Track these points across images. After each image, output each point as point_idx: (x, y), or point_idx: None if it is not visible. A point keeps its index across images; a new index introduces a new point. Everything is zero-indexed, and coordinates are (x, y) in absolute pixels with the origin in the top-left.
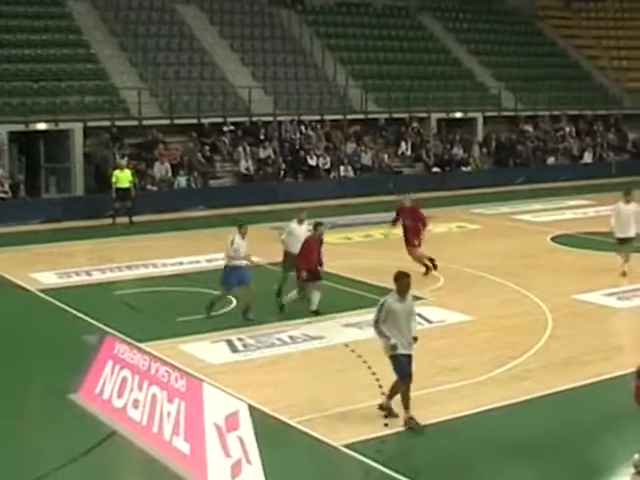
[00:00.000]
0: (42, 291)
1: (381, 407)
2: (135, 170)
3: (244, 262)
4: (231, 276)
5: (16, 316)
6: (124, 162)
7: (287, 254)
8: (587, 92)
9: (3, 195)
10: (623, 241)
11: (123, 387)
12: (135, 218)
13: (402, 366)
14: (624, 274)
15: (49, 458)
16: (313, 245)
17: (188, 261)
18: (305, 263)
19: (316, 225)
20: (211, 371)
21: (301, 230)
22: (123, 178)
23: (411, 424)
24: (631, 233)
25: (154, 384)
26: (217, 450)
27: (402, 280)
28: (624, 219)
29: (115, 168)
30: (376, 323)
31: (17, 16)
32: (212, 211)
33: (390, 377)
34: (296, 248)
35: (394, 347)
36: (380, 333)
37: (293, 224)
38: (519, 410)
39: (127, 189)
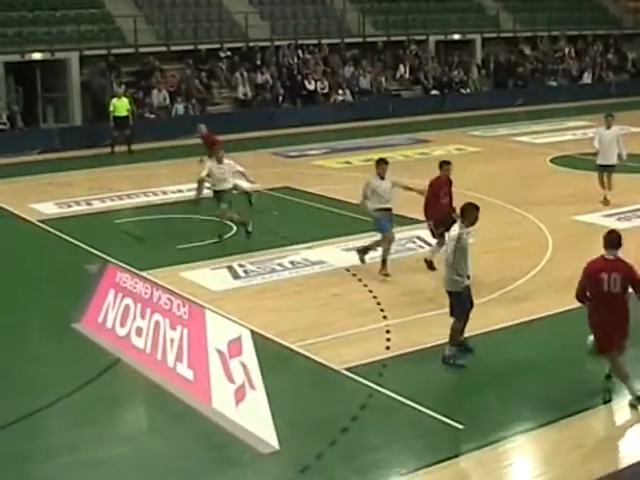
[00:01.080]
0: (42, 221)
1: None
2: (133, 98)
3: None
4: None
5: (17, 247)
6: (121, 90)
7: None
8: (587, 12)
9: (1, 126)
10: (604, 168)
11: (126, 315)
12: (134, 146)
13: (464, 301)
14: (606, 202)
15: (54, 387)
16: (440, 187)
17: (187, 188)
18: (434, 210)
19: (442, 164)
20: (213, 297)
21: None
22: (120, 106)
23: (450, 360)
24: (612, 160)
25: (157, 312)
26: (220, 376)
27: (473, 213)
28: (606, 145)
29: (112, 97)
30: (453, 264)
31: None
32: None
33: (390, 301)
34: (222, 185)
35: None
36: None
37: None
38: (521, 331)
39: (125, 117)
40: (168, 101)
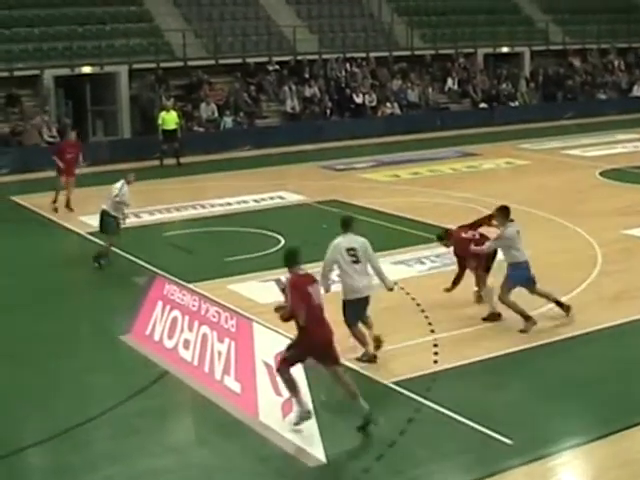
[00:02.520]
0: (91, 234)
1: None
2: (181, 111)
3: None
4: None
5: (66, 259)
6: (170, 104)
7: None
8: (636, 24)
9: (51, 139)
10: None
11: (173, 328)
12: (182, 159)
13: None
14: None
15: (102, 398)
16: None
17: (236, 201)
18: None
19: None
20: (260, 310)
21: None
22: (169, 120)
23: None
24: None
25: (204, 324)
26: (267, 388)
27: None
28: None
29: (161, 110)
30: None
31: None
32: (259, 151)
33: (438, 315)
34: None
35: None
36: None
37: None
38: (570, 345)
39: (174, 130)
40: (216, 114)
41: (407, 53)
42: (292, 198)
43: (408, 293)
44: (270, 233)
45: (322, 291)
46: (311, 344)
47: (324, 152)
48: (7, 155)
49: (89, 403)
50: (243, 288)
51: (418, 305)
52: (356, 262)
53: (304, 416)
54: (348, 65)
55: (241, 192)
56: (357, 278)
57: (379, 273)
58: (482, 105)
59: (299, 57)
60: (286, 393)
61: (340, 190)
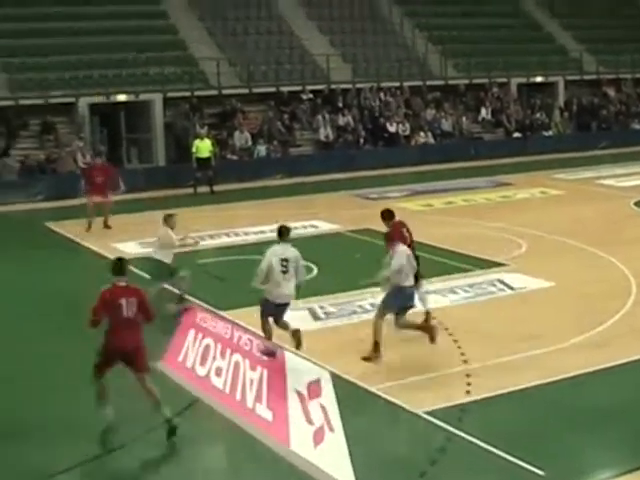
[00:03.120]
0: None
1: None
2: (215, 139)
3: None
4: None
5: (100, 286)
6: (204, 132)
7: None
8: None
9: (85, 167)
10: None
11: (206, 355)
12: (216, 187)
13: None
14: None
15: (133, 425)
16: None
17: (269, 229)
18: None
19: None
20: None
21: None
22: (203, 148)
23: None
24: None
25: (236, 352)
26: (299, 417)
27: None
28: None
29: (195, 138)
30: None
31: None
32: (292, 179)
33: (471, 344)
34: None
35: None
36: None
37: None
38: (602, 377)
39: (207, 158)
40: (250, 142)
41: (441, 82)
42: (325, 227)
43: (441, 323)
44: (303, 262)
45: None
46: (111, 350)
47: (357, 181)
48: (42, 182)
49: (120, 429)
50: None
51: (450, 335)
52: (285, 272)
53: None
54: (382, 94)
55: (274, 220)
56: (284, 285)
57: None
58: (516, 135)
59: (333, 86)
60: (318, 422)
61: (373, 219)
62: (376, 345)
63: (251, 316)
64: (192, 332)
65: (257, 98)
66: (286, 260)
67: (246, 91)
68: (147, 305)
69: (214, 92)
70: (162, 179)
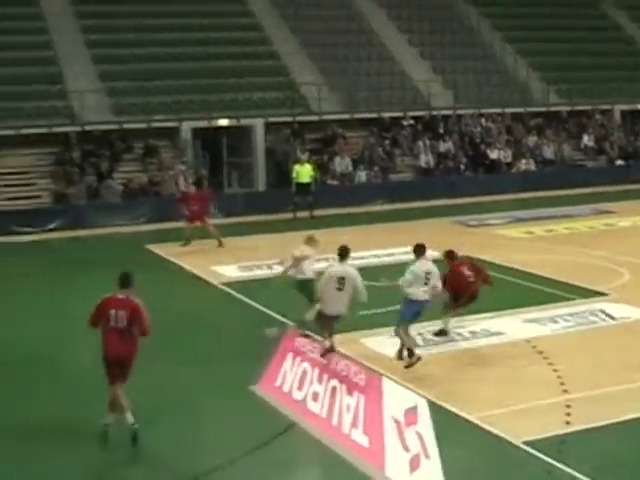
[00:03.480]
0: (225, 284)
1: None
2: (316, 165)
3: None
4: None
5: (199, 309)
6: (305, 157)
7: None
8: None
9: (187, 190)
10: None
11: (303, 380)
12: (316, 212)
13: None
14: None
15: (229, 448)
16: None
17: (369, 255)
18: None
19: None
20: (390, 365)
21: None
22: (304, 173)
23: None
24: None
25: (334, 377)
26: (395, 444)
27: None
28: None
29: (295, 163)
30: None
31: (199, 15)
32: (392, 205)
33: (571, 374)
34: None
35: None
36: None
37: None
38: None
39: (308, 184)
40: (351, 168)
41: (543, 109)
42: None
43: (541, 352)
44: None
45: None
46: (104, 355)
47: (457, 208)
48: (144, 204)
49: (216, 452)
50: (374, 342)
51: (550, 364)
52: (340, 290)
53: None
54: (483, 120)
55: (374, 246)
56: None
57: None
58: (619, 162)
59: (434, 112)
60: (414, 449)
61: (473, 246)
62: (410, 351)
63: (349, 341)
64: (290, 356)
65: (358, 124)
66: (342, 278)
67: (347, 116)
68: (140, 319)
69: (315, 117)
70: (262, 204)
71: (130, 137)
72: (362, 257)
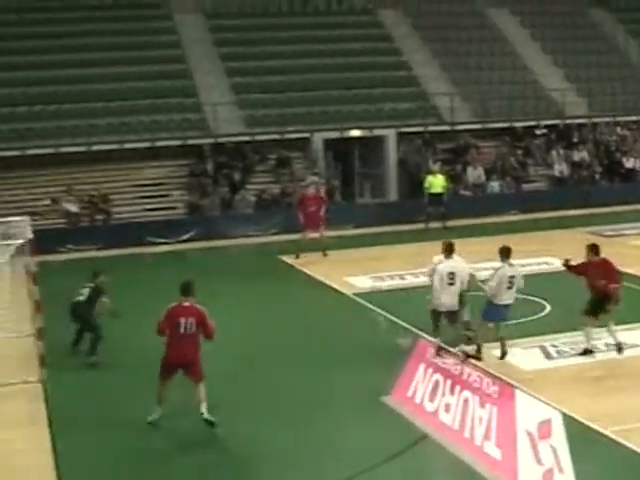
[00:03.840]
0: (357, 294)
1: None
2: (448, 175)
3: None
4: None
5: (331, 319)
6: (436, 167)
7: None
8: None
9: (300, 196)
10: None
11: (435, 391)
12: (448, 222)
13: None
14: None
15: (363, 457)
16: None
17: (501, 266)
18: None
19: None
20: (523, 377)
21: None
22: (436, 183)
23: None
24: None
25: (466, 389)
26: (528, 457)
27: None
28: None
29: (428, 173)
30: None
31: (330, 26)
32: (525, 215)
33: None
34: None
35: None
36: None
37: None
38: None
39: (440, 194)
40: (483, 178)
41: None
42: (558, 264)
43: None
44: (535, 299)
45: None
46: (167, 360)
47: (592, 218)
48: (277, 215)
49: (345, 463)
50: (508, 354)
51: None
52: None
53: None
54: (618, 129)
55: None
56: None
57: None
58: None
59: (567, 121)
60: (548, 463)
61: (608, 256)
62: (479, 348)
63: (483, 353)
64: (422, 367)
65: (490, 133)
66: (452, 274)
67: (479, 126)
68: (206, 324)
69: (447, 127)
70: (394, 214)
71: (263, 148)
72: (494, 268)
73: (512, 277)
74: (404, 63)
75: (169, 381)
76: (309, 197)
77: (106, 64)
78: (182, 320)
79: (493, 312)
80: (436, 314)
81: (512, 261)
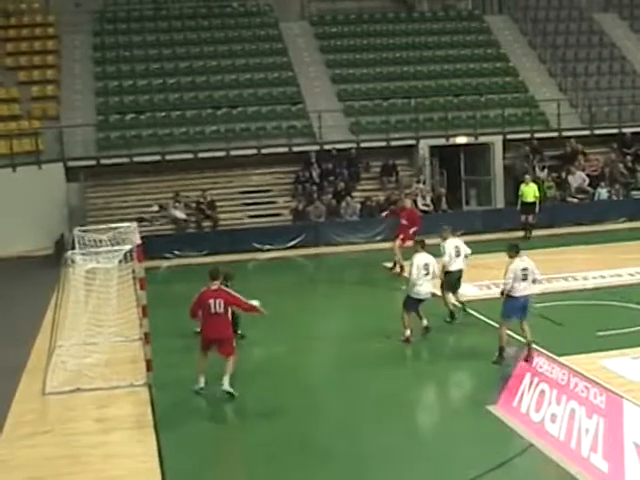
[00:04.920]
0: (462, 302)
1: None
2: (554, 182)
3: None
4: None
5: (435, 326)
6: (543, 174)
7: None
8: None
9: (425, 208)
10: None
11: (541, 401)
12: (554, 230)
13: None
14: None
15: (464, 468)
16: None
17: (609, 274)
18: None
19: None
20: (632, 388)
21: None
22: (528, 192)
23: None
24: None
25: (572, 399)
26: (636, 470)
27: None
28: None
29: (520, 182)
30: None
31: (437, 32)
32: (634, 223)
33: None
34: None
35: None
36: None
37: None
38: None
39: (532, 203)
40: (591, 185)
41: None
42: None
43: None
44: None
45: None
46: (203, 337)
47: None
48: (383, 223)
49: (450, 471)
50: (615, 364)
51: None
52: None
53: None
54: None
55: (615, 265)
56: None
57: None
58: None
59: None
60: None
61: None
62: (501, 350)
63: (589, 363)
64: (528, 376)
65: (598, 140)
66: (427, 265)
67: (587, 133)
68: (232, 301)
69: (554, 134)
70: (500, 221)
71: (368, 156)
72: (602, 276)
73: (525, 269)
74: (511, 69)
75: (206, 355)
76: (406, 211)
77: (213, 72)
78: (211, 301)
79: (510, 307)
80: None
81: (524, 256)
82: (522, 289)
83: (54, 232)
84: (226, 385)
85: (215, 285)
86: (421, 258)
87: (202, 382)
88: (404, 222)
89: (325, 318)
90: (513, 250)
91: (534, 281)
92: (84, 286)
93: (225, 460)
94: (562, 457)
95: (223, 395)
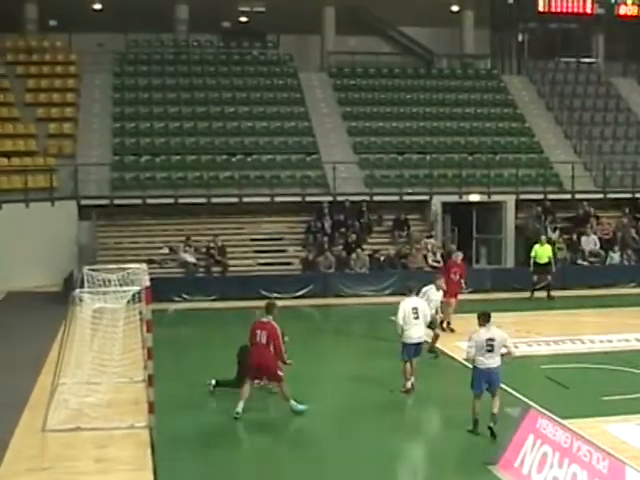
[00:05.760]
0: (467, 360)
1: None
2: (566, 244)
3: None
4: None
5: (440, 383)
6: (555, 236)
7: None
8: None
9: (435, 264)
10: None
11: (543, 463)
12: (565, 292)
13: None
14: None
15: None
16: None
17: (617, 339)
18: None
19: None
20: (635, 454)
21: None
22: (542, 253)
23: None
24: None
25: (575, 462)
26: None
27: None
28: None
29: (534, 243)
30: None
31: (454, 90)
32: None
33: None
34: None
35: None
36: None
37: None
38: None
39: (546, 264)
40: (602, 248)
41: None
42: None
43: None
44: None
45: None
46: (250, 363)
47: None
48: (392, 276)
49: None
50: (619, 429)
51: None
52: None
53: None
54: None
55: (624, 330)
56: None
57: None
58: None
59: None
60: None
61: None
62: (475, 422)
63: (593, 427)
64: (531, 437)
65: (611, 204)
66: (416, 309)
67: (600, 196)
68: (274, 337)
69: (567, 196)
70: (509, 281)
71: (381, 209)
72: (609, 340)
73: (491, 340)
74: (527, 129)
75: (251, 383)
76: (456, 264)
77: (230, 118)
78: (258, 332)
79: (476, 378)
80: (408, 347)
81: (492, 325)
82: (486, 360)
83: (64, 269)
84: (294, 406)
85: (267, 318)
86: (409, 302)
87: (240, 407)
88: (454, 277)
89: (328, 368)
90: (481, 318)
91: (506, 354)
92: (90, 325)
93: None
94: None
95: (236, 435)
